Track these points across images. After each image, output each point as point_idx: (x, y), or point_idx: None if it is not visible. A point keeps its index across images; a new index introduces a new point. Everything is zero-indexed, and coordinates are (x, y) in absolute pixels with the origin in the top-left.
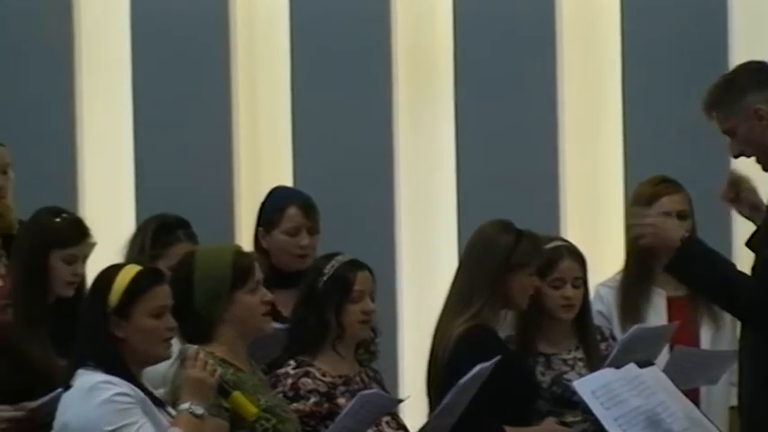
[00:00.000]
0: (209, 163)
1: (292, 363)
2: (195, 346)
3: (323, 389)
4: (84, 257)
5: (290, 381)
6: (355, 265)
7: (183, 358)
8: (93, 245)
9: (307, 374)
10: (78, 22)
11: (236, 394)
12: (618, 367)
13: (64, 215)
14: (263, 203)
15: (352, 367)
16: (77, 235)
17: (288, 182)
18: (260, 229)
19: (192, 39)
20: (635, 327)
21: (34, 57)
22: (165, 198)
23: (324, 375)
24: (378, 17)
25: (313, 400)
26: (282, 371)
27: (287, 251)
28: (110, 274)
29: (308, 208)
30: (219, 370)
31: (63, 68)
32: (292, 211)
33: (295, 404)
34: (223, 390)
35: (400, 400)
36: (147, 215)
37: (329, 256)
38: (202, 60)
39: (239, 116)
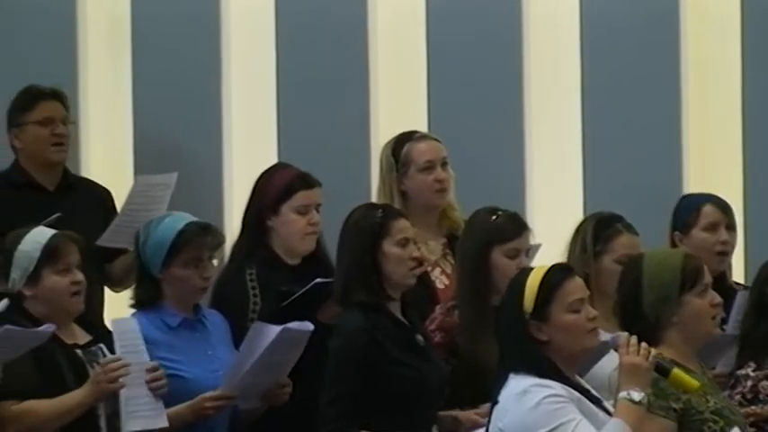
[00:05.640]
0: (658, 161)
1: (752, 364)
2: (625, 333)
3: None
4: (526, 251)
5: (749, 383)
6: None
7: (614, 347)
8: (531, 237)
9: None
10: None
11: (676, 371)
12: None
13: (499, 212)
14: (676, 210)
15: None
16: (516, 228)
17: (738, 180)
18: (676, 233)
19: (643, 40)
20: None
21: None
22: (612, 195)
23: None
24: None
25: None
26: (742, 372)
27: (706, 249)
28: (520, 280)
29: (725, 205)
30: (654, 351)
31: None
32: (708, 208)
33: (752, 407)
34: (661, 369)
35: None
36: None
37: None
38: (653, 57)
39: (689, 114)
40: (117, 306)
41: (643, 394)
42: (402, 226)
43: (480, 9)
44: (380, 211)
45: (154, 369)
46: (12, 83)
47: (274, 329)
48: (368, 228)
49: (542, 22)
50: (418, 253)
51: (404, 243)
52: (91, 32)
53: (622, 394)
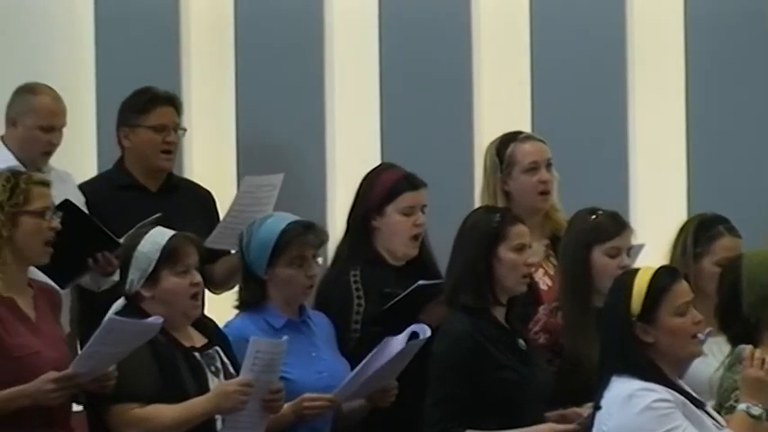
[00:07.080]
0: (764, 162)
1: None
2: (749, 346)
3: None
4: (627, 251)
5: None
6: None
7: (737, 360)
8: (632, 235)
9: None
10: None
11: None
12: None
13: (599, 212)
14: None
15: None
16: (616, 227)
17: None
18: None
19: (747, 41)
20: None
21: None
22: (717, 196)
23: None
24: None
25: None
26: None
27: None
28: (626, 281)
29: None
30: None
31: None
32: None
33: None
34: None
35: None
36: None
37: None
38: (758, 58)
39: None
40: (217, 307)
41: (762, 410)
42: (519, 231)
43: (584, 10)
44: (498, 215)
45: (278, 391)
46: (116, 85)
47: (397, 345)
48: (484, 232)
49: (646, 22)
50: (534, 259)
51: (520, 248)
52: (194, 34)
53: (741, 407)
